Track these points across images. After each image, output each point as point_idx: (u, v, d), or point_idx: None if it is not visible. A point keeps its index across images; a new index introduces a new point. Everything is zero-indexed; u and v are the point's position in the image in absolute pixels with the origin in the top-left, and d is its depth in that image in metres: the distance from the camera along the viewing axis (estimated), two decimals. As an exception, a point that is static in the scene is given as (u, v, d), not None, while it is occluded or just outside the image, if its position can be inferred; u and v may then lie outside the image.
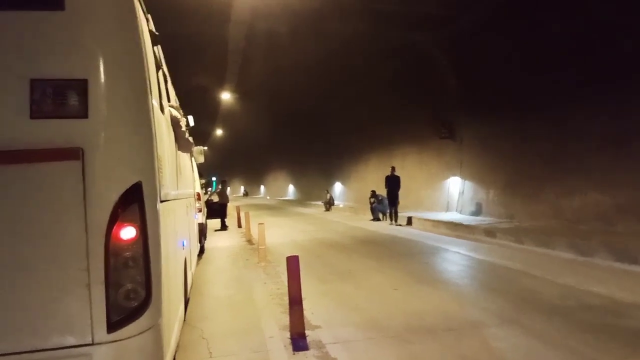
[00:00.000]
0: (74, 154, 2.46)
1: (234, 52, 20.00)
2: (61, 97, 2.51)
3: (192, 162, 9.59)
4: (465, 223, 13.48)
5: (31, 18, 2.51)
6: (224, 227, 17.60)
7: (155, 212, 2.71)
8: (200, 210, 11.20)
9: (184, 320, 5.61)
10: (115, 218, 2.51)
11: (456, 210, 16.59)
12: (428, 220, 15.22)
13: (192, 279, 6.90)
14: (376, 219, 18.56)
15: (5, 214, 2.39)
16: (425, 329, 5.08)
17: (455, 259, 9.40)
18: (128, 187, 2.56)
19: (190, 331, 5.31)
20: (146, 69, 2.82)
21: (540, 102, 12.30)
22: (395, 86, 19.04)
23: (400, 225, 15.99)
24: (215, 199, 19.68)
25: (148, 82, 2.83)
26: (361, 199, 22.92)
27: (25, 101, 2.44)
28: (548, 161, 12.36)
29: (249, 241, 13.55)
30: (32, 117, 2.44)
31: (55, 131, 2.47)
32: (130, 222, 2.55)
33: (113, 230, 2.50)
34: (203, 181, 15.44)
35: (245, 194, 61.50)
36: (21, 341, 2.34)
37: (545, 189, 12.44)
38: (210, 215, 16.25)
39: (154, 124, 2.85)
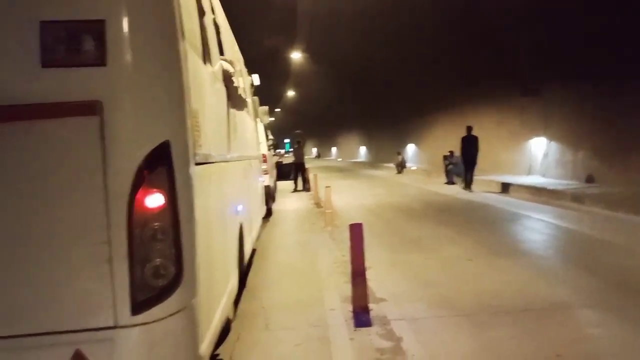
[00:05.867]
0: (91, 108, 2.11)
1: (304, 12, 19.40)
2: (75, 41, 2.15)
3: (256, 122, 9.29)
4: (550, 188, 12.37)
5: None
6: (305, 187, 17.54)
7: (187, 177, 2.33)
8: (267, 173, 10.98)
9: (245, 287, 5.41)
10: (140, 183, 2.15)
11: (539, 174, 15.35)
12: (507, 184, 14.17)
13: (254, 244, 6.69)
14: (450, 182, 17.66)
15: (13, 178, 2.09)
16: (504, 309, 4.49)
17: (539, 228, 8.55)
18: (154, 147, 2.19)
19: (251, 300, 5.07)
20: (176, 9, 2.40)
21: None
22: (473, 44, 17.56)
23: (472, 191, 14.63)
24: (285, 161, 19.58)
25: (179, 25, 2.41)
26: (435, 161, 21.93)
27: (35, 47, 2.10)
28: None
29: (317, 204, 13.27)
30: (43, 65, 2.11)
31: (69, 82, 2.12)
32: (157, 187, 2.19)
33: (137, 197, 2.15)
34: (270, 142, 15.20)
35: (318, 156, 61.77)
36: (35, 322, 2.08)
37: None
38: (279, 177, 16.12)
39: (187, 74, 2.45)
